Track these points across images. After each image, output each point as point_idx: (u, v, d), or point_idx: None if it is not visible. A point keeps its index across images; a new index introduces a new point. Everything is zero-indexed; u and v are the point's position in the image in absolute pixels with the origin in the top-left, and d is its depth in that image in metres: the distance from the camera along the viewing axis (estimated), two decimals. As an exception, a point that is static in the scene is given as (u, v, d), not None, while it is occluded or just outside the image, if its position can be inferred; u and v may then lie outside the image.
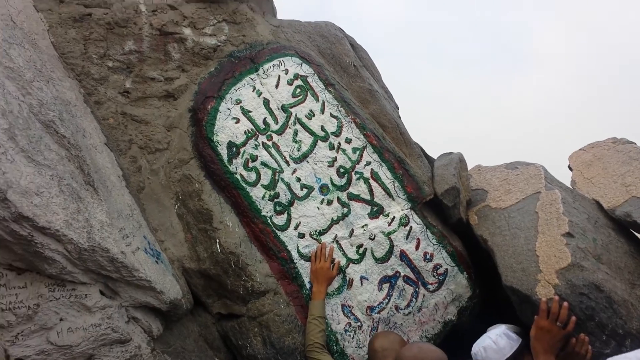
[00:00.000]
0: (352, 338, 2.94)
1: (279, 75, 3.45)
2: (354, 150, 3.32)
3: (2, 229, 2.01)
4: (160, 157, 3.11)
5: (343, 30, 4.23)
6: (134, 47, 3.23)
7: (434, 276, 3.13)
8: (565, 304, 2.32)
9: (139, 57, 3.24)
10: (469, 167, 3.76)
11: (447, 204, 3.27)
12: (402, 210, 3.22)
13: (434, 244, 3.17)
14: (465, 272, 3.20)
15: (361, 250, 3.10)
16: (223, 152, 3.12)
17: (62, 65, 2.92)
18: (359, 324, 2.98)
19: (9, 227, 2.01)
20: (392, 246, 3.12)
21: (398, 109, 4.10)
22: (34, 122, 2.35)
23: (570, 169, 4.19)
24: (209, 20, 3.53)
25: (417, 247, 3.15)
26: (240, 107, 3.27)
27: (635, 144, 4.01)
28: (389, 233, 3.14)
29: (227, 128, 3.19)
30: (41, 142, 2.31)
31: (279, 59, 3.52)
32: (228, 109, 3.25)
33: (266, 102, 3.33)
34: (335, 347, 2.89)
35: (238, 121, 3.23)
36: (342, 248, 3.09)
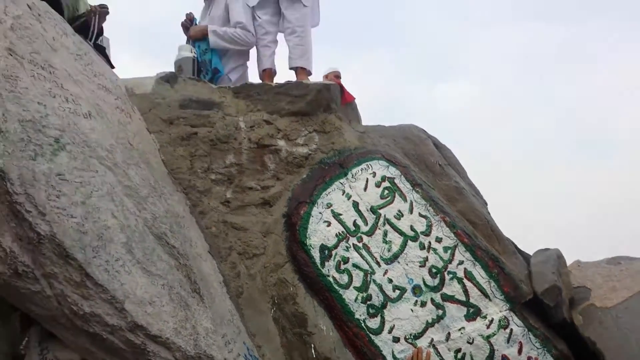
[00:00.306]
0: None
1: (367, 178, 3.59)
2: (445, 249, 3.32)
3: (118, 338, 2.16)
4: (257, 262, 3.26)
5: (426, 131, 4.38)
6: (234, 160, 3.52)
7: (541, 384, 2.95)
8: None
9: (238, 169, 3.52)
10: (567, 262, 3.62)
11: (548, 303, 3.14)
12: (500, 311, 3.12)
13: (537, 348, 3.02)
14: (574, 379, 3.00)
15: (460, 355, 3.01)
16: (316, 255, 3.23)
17: (171, 180, 3.22)
18: None
19: (125, 336, 2.15)
20: (492, 350, 3.00)
21: (486, 204, 4.08)
22: (148, 235, 2.57)
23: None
24: (301, 132, 3.79)
25: (519, 352, 3.00)
26: (331, 210, 3.41)
27: None
28: (489, 336, 3.04)
29: (319, 231, 3.32)
30: (154, 253, 2.51)
31: (366, 163, 3.69)
32: (320, 213, 3.40)
33: (355, 205, 3.45)
34: None
35: (329, 224, 3.35)
36: (439, 353, 3.01)
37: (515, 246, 3.70)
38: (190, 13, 4.54)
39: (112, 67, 3.70)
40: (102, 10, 3.91)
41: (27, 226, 2.03)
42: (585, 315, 3.19)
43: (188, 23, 4.47)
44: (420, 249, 3.32)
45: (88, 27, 3.77)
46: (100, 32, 3.93)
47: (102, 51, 3.80)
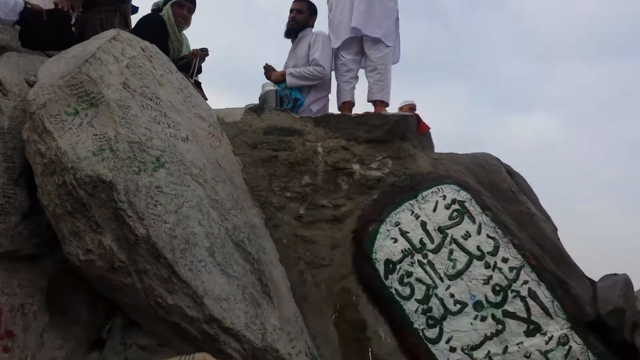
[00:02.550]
0: None
1: (437, 201, 3.79)
2: (511, 269, 3.43)
3: (195, 328, 2.55)
4: (323, 272, 3.58)
5: (499, 160, 4.49)
6: (310, 180, 3.90)
7: (596, 401, 2.97)
8: None
9: (313, 188, 3.89)
10: (636, 289, 3.57)
11: (611, 324, 3.16)
12: (561, 329, 3.19)
13: (596, 365, 3.04)
14: (632, 399, 2.98)
15: (516, 368, 3.10)
16: (380, 268, 3.49)
17: (251, 196, 3.67)
18: None
19: (201, 327, 2.55)
20: (549, 366, 3.07)
21: (557, 230, 4.12)
22: (228, 242, 2.98)
23: None
24: (375, 157, 4.07)
25: (577, 367, 3.05)
26: (399, 228, 3.66)
27: None
28: (547, 352, 3.12)
29: (386, 247, 3.58)
30: (232, 257, 2.90)
31: (437, 187, 3.88)
32: (387, 230, 3.66)
33: (423, 224, 3.67)
34: None
35: (396, 241, 3.60)
36: (495, 365, 3.13)
37: (583, 273, 3.71)
38: (267, 64, 5.05)
39: (206, 99, 4.28)
40: (203, 54, 4.57)
41: (127, 229, 2.45)
42: (649, 339, 3.16)
43: (269, 70, 5.00)
44: (485, 268, 3.46)
45: (189, 66, 4.41)
46: (200, 70, 4.58)
47: (199, 86, 4.42)
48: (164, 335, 2.65)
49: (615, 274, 3.59)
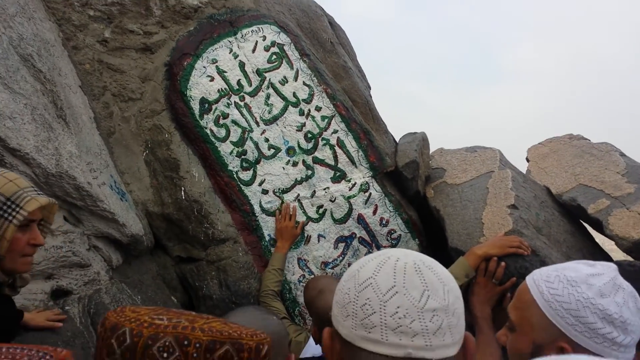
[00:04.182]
0: (305, 288, 3.11)
1: (257, 41, 3.58)
2: (323, 118, 3.48)
3: None
4: (132, 106, 3.21)
5: (323, 9, 4.37)
6: (117, -2, 3.31)
7: (387, 240, 3.32)
8: (503, 263, 2.51)
9: (120, 9, 3.34)
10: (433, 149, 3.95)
11: (406, 175, 3.45)
12: (363, 177, 3.39)
13: (390, 211, 3.35)
14: (417, 239, 3.40)
15: (321, 210, 3.26)
16: (195, 107, 3.24)
17: (44, 8, 2.99)
18: (312, 276, 3.14)
19: (-19, 144, 2.11)
20: (351, 209, 3.29)
21: (370, 88, 4.26)
22: (13, 54, 2.46)
23: (527, 160, 4.42)
24: (194, -17, 3.61)
25: (374, 212, 3.32)
26: (216, 66, 3.39)
27: (589, 140, 4.25)
28: (349, 197, 3.31)
29: (201, 85, 3.31)
30: (18, 73, 2.42)
31: (257, 26, 3.65)
32: (204, 67, 3.37)
33: (242, 65, 3.46)
34: (288, 295, 3.06)
35: (212, 79, 3.35)
36: (303, 207, 3.25)
37: (387, 129, 3.93)
38: None
39: None
40: None
41: None
42: (437, 190, 3.55)
43: None
44: (300, 115, 3.45)
45: None
46: None
47: None
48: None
49: (415, 132, 3.88)
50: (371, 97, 4.14)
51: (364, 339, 0.86)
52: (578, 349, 1.21)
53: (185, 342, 0.93)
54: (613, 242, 3.10)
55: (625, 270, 1.57)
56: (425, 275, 0.89)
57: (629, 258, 3.15)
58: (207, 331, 0.96)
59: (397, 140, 3.88)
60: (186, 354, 0.93)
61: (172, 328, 0.95)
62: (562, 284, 1.27)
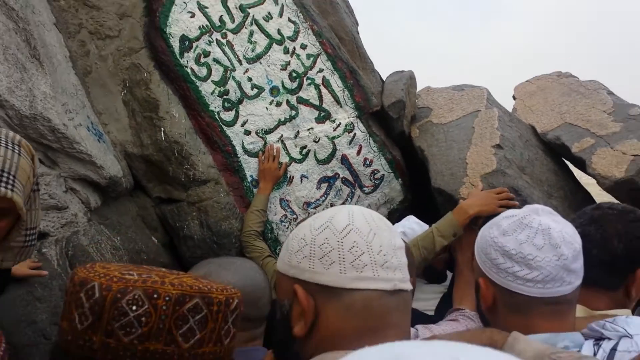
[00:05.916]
0: (287, 228, 3.11)
1: (239, -26, 3.39)
2: (308, 56, 3.36)
3: None
4: (110, 44, 3.08)
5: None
6: None
7: (370, 180, 3.28)
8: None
9: (93, -61, 3.11)
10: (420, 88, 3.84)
11: (392, 115, 3.38)
12: (348, 117, 3.31)
13: (374, 151, 3.30)
14: (400, 179, 3.36)
15: (304, 151, 3.20)
16: (175, 44, 3.11)
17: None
18: (294, 216, 3.13)
19: (-49, 88, 2.01)
20: (334, 150, 3.23)
21: (357, 25, 4.10)
22: (-20, -10, 2.29)
23: (514, 98, 4.32)
24: None
25: (358, 153, 3.27)
26: (197, 2, 3.24)
27: (577, 78, 4.15)
28: (333, 137, 3.25)
29: (182, 21, 3.16)
30: (-11, 10, 2.26)
31: (240, -42, 3.44)
32: (184, 2, 3.21)
33: (224, 0, 3.28)
34: (270, 235, 3.05)
35: (193, 15, 3.20)
36: (286, 147, 3.19)
37: (374, 68, 3.80)
38: None
39: None
40: None
41: None
42: (422, 130, 3.49)
43: None
44: (284, 53, 3.32)
45: None
46: None
47: None
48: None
49: (402, 71, 3.76)
50: (358, 33, 3.99)
51: (356, 279, 0.91)
52: (490, 283, 1.33)
53: (155, 296, 0.93)
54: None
55: (604, 212, 1.55)
56: (383, 220, 1.00)
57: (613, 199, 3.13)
58: (177, 285, 0.96)
59: (384, 79, 3.77)
60: (155, 307, 0.93)
61: (141, 282, 0.94)
62: (485, 227, 1.40)
